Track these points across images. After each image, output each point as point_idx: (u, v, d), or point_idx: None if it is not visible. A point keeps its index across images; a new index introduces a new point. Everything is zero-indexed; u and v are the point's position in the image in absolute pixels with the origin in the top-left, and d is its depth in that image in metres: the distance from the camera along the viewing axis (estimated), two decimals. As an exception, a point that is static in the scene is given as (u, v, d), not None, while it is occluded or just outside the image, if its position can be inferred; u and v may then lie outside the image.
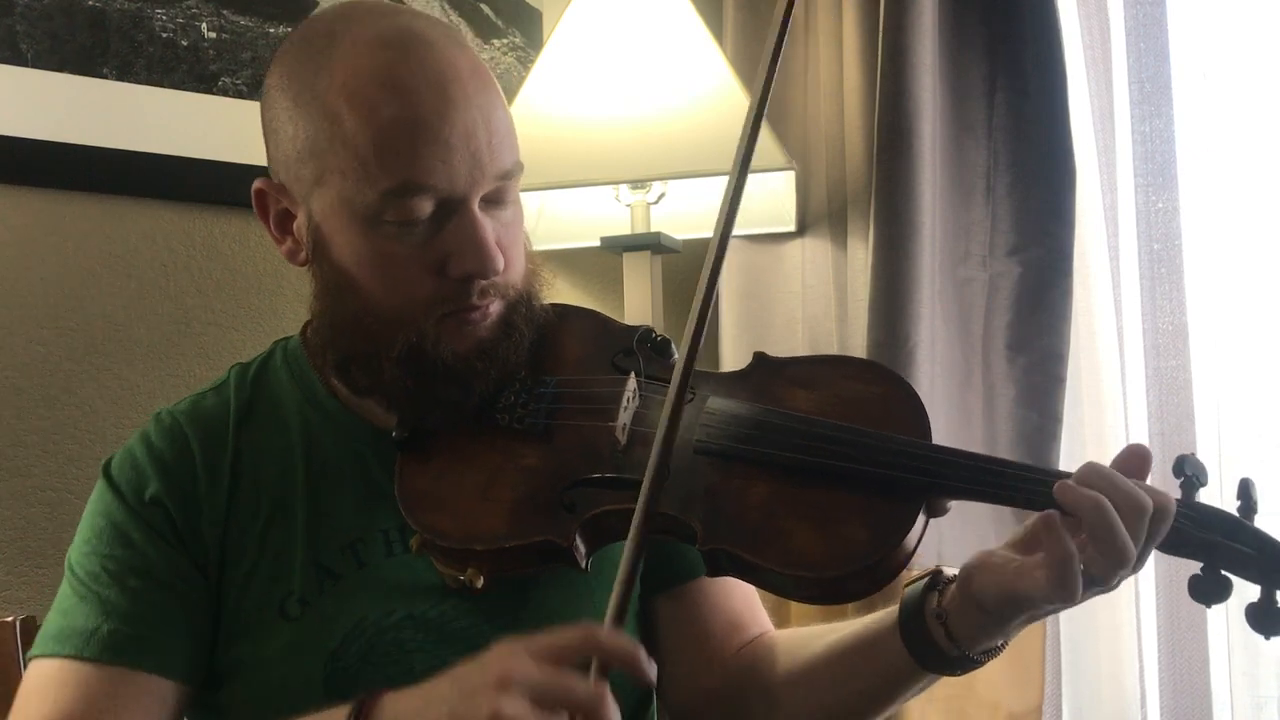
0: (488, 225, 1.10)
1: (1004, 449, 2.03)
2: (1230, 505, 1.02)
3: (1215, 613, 1.96)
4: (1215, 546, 1.00)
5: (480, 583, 1.08)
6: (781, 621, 1.31)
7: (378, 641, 1.12)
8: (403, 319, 1.11)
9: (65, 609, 1.13)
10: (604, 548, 1.10)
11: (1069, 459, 2.03)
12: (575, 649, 0.90)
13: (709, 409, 1.11)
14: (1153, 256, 2.05)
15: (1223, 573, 1.00)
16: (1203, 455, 2.00)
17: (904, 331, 2.00)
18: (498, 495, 1.10)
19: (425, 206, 1.08)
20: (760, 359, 1.18)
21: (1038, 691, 1.97)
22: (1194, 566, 1.01)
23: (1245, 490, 1.02)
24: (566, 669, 0.89)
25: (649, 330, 1.21)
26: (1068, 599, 0.98)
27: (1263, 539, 1.00)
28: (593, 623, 0.92)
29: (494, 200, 1.12)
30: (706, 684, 1.25)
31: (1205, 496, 1.03)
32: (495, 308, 1.13)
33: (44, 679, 1.11)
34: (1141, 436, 2.03)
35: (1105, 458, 2.11)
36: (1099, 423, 2.06)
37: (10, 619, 1.33)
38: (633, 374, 1.15)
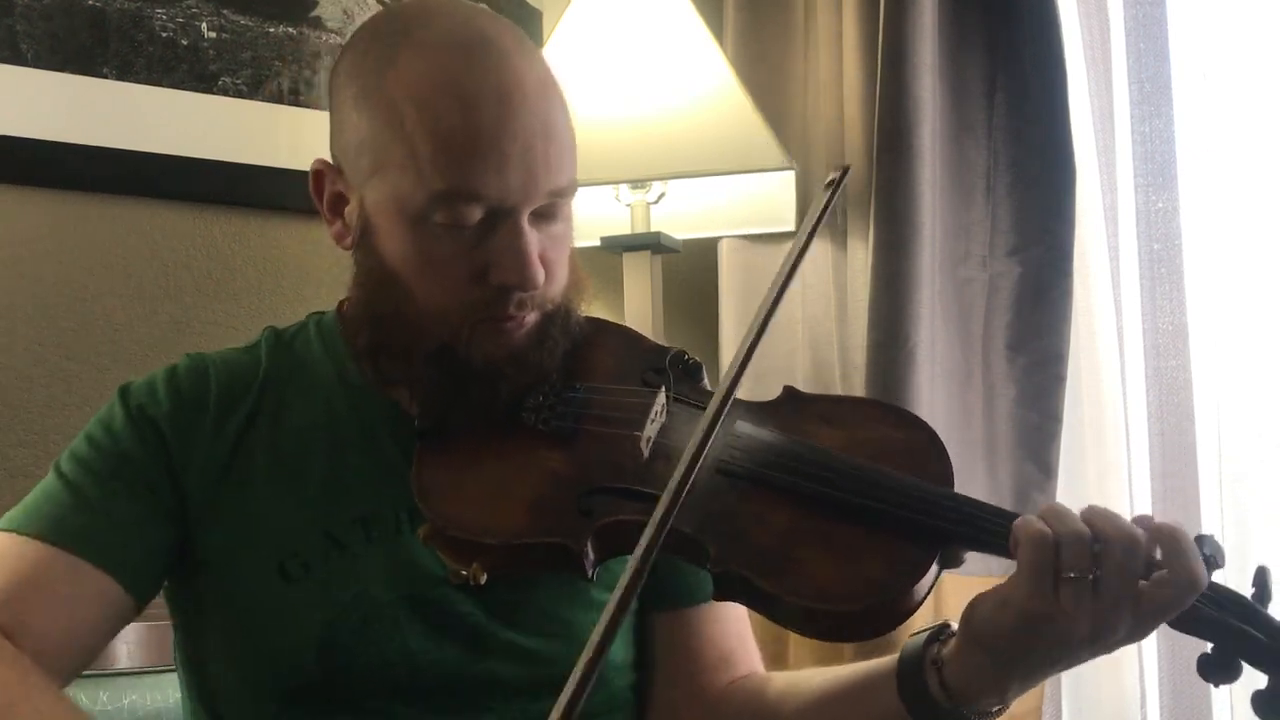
0: (533, 239, 1.11)
1: (1004, 449, 2.03)
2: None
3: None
4: (1228, 629, 0.99)
5: (483, 579, 1.08)
6: (779, 657, 1.30)
7: (374, 617, 1.13)
8: (439, 319, 1.12)
9: (37, 494, 1.16)
10: (612, 559, 1.09)
11: (1069, 459, 2.03)
12: None
13: (736, 432, 1.11)
14: (1153, 256, 2.05)
15: (1233, 655, 0.99)
16: (1202, 456, 2.02)
17: (904, 331, 2.00)
18: (515, 492, 1.10)
19: (475, 213, 1.09)
20: (789, 393, 1.19)
21: (1037, 692, 1.97)
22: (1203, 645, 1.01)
23: (1261, 578, 1.01)
24: None
25: (682, 352, 1.22)
26: (1041, 597, 0.96)
27: (1276, 628, 0.99)
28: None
29: (545, 215, 1.13)
30: (688, 714, 1.25)
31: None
32: (531, 318, 1.14)
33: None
34: (1141, 437, 2.04)
35: (1105, 458, 2.12)
36: (1099, 423, 2.06)
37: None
38: (663, 389, 1.15)
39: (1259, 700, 0.99)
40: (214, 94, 1.93)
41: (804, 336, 2.21)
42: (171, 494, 1.16)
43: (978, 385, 2.08)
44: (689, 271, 2.31)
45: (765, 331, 1.06)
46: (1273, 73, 2.00)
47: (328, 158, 1.19)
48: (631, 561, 0.92)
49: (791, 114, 2.23)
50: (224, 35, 1.94)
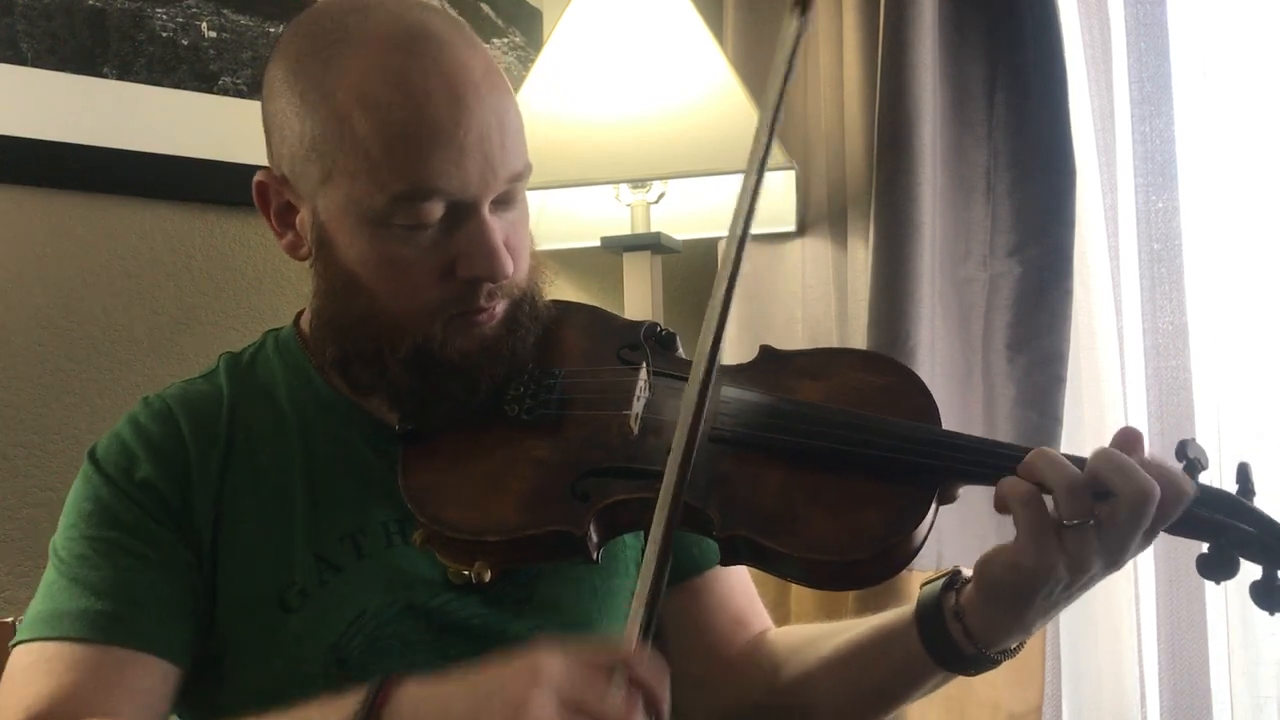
0: (497, 228, 1.10)
1: (1004, 449, 2.03)
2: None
3: (1215, 613, 1.96)
4: (1220, 526, 1.02)
5: (488, 576, 1.08)
6: (780, 605, 1.32)
7: (379, 634, 1.12)
8: (409, 320, 1.10)
9: (51, 593, 1.11)
10: (613, 540, 1.10)
11: (1069, 459, 2.03)
12: (610, 665, 0.88)
13: (723, 398, 1.12)
14: (1153, 256, 2.05)
15: (1229, 551, 1.03)
16: (1203, 455, 2.00)
17: (904, 331, 1.99)
18: (509, 486, 1.10)
19: (436, 210, 1.08)
20: (766, 351, 1.19)
21: (1038, 691, 1.97)
22: (1199, 547, 1.05)
23: (1243, 473, 1.05)
24: (600, 682, 0.87)
25: (654, 324, 1.22)
26: (1047, 553, 0.98)
27: (1263, 519, 1.03)
28: (612, 631, 0.89)
29: (503, 202, 1.12)
30: (710, 681, 1.25)
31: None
32: (501, 307, 1.13)
33: (33, 662, 1.08)
34: (1141, 436, 2.03)
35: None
36: (1099, 423, 2.06)
37: (10, 619, 1.33)
38: (644, 365, 1.15)
39: (1256, 590, 1.03)
40: (214, 94, 1.93)
41: (804, 336, 2.21)
42: (185, 546, 1.13)
43: (978, 385, 2.08)
44: (689, 271, 2.31)
45: (746, 241, 1.06)
46: (1273, 73, 2.00)
47: (268, 166, 1.15)
48: (650, 548, 0.92)
49: (791, 114, 2.22)
50: (224, 35, 1.94)
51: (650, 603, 0.91)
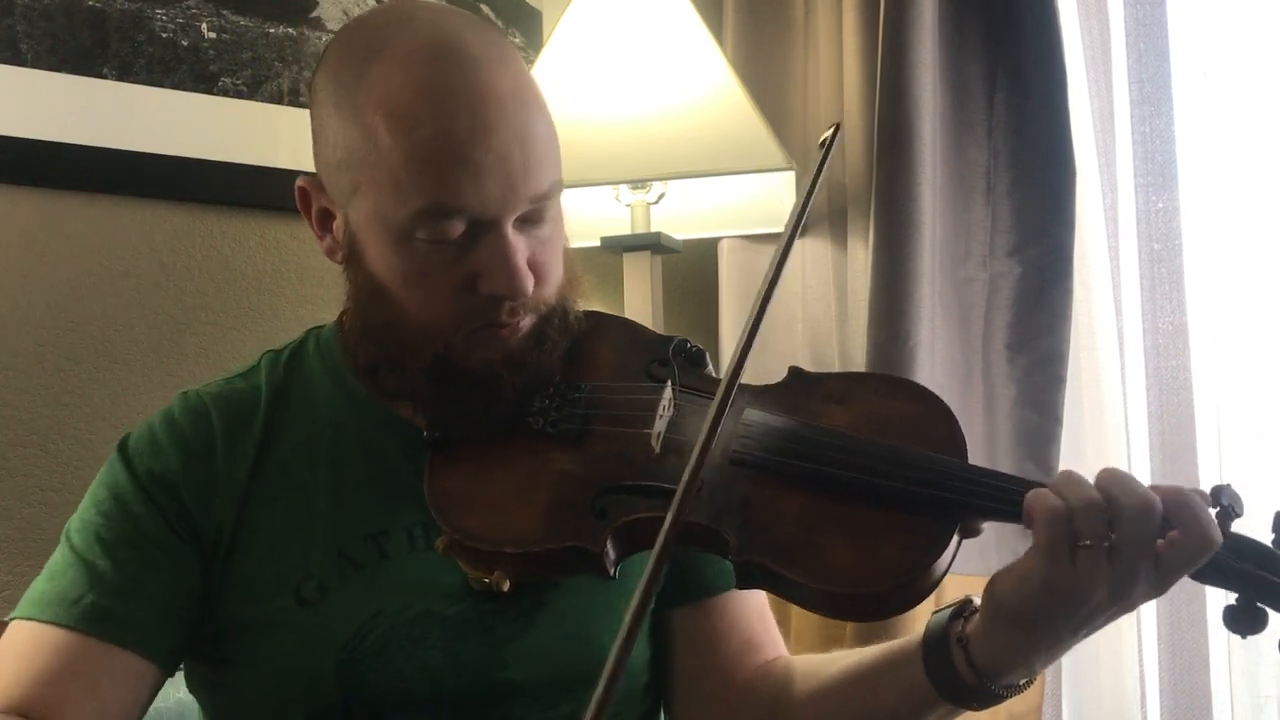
0: (520, 247, 1.09)
1: (1004, 449, 2.03)
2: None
3: (1215, 613, 1.96)
4: (1250, 578, 0.98)
5: (507, 585, 1.08)
6: (781, 629, 1.31)
7: (394, 634, 1.12)
8: (432, 331, 1.11)
9: (54, 574, 1.14)
10: (631, 556, 1.09)
11: (1069, 459, 2.03)
12: None
13: (746, 420, 1.10)
14: (1153, 256, 2.05)
15: (1258, 605, 0.98)
16: (1203, 456, 2.02)
17: (904, 331, 1.99)
18: (530, 498, 1.10)
19: (457, 227, 1.08)
20: (795, 373, 1.17)
21: (1038, 691, 1.97)
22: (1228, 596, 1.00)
23: None
24: None
25: (684, 341, 1.21)
26: (1058, 572, 0.96)
27: None
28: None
29: (530, 219, 1.11)
30: (719, 703, 1.24)
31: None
32: (527, 322, 1.13)
33: (23, 641, 1.11)
34: (1141, 437, 2.03)
35: (1105, 458, 2.12)
36: (1099, 423, 2.06)
37: (10, 619, 1.33)
38: (669, 383, 1.15)
39: None
40: (214, 94, 1.93)
41: (804, 336, 2.21)
42: (192, 546, 1.15)
43: (978, 385, 2.08)
44: (689, 271, 2.31)
45: (766, 311, 1.05)
46: (1273, 73, 2.00)
47: (312, 169, 1.17)
48: (648, 565, 0.91)
49: (791, 114, 2.22)
50: (224, 36, 1.94)
51: (644, 594, 0.88)
